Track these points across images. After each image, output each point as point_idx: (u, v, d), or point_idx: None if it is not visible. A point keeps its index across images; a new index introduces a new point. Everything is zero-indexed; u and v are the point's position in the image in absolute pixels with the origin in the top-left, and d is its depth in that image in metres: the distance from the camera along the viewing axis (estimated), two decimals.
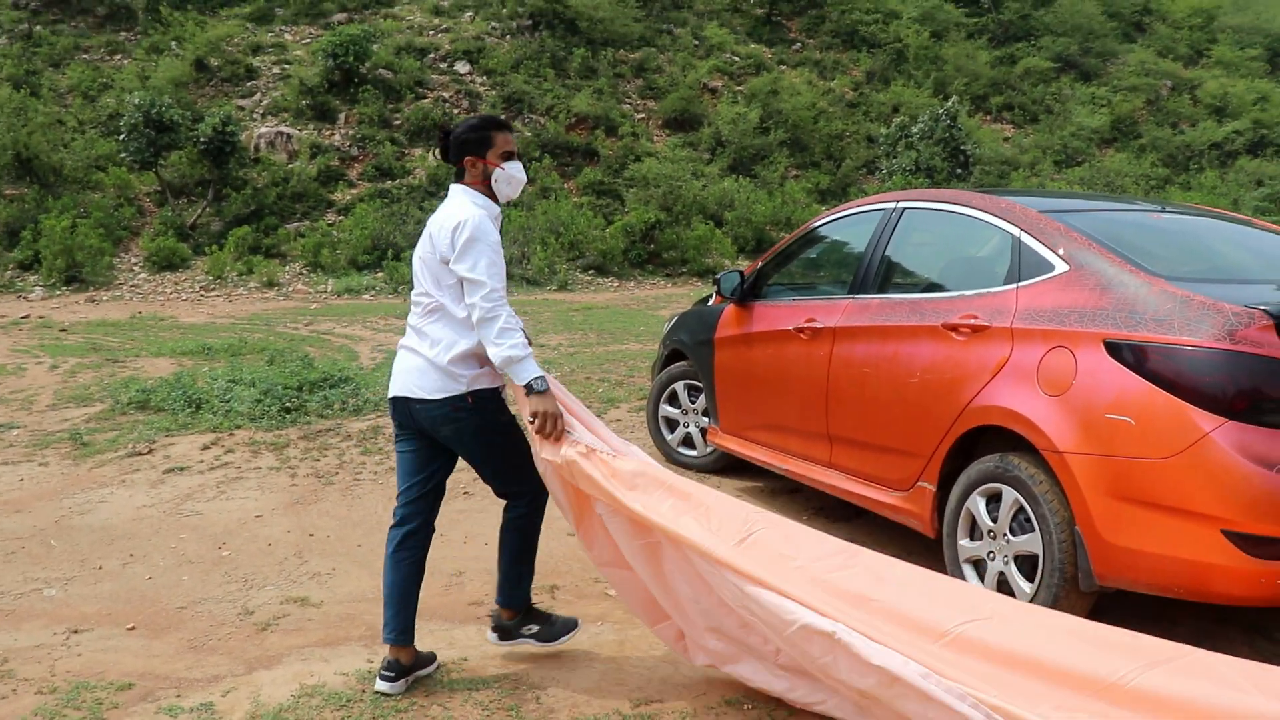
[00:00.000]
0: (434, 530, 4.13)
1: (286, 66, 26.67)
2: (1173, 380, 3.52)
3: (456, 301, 3.80)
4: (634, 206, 23.09)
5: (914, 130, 25.67)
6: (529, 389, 3.75)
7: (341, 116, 25.57)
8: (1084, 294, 3.92)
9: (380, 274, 20.84)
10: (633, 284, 21.44)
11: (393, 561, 4.01)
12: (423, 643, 4.24)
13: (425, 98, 26.67)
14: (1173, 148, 33.57)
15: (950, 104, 26.28)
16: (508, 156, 3.90)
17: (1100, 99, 34.69)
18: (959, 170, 25.06)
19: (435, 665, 4.00)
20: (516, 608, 4.17)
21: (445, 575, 5.09)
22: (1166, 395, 3.52)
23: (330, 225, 22.69)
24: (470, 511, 6.09)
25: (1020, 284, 4.20)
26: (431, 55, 28.34)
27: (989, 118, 33.11)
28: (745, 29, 33.45)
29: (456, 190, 3.92)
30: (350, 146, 25.04)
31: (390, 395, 3.97)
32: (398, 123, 25.72)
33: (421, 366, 3.84)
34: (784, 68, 31.81)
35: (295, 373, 9.22)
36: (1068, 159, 31.29)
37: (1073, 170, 30.20)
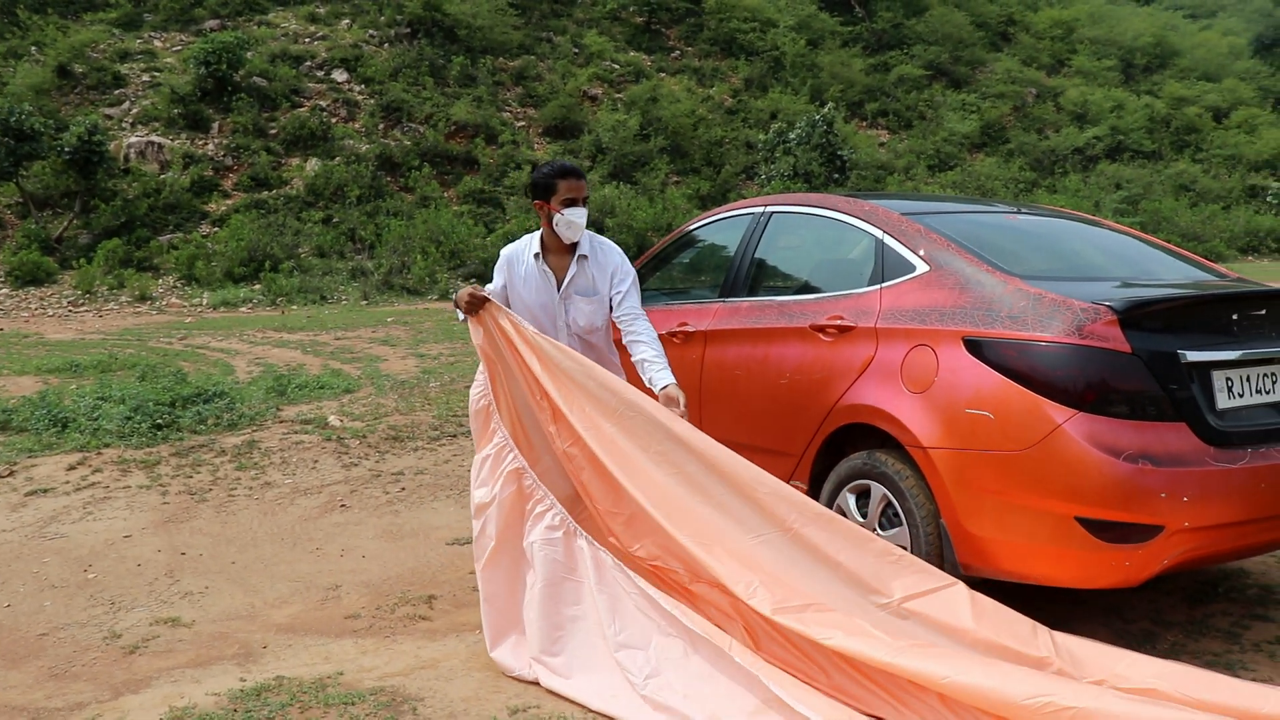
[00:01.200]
0: None
1: (156, 74, 25.93)
2: (1027, 375, 3.65)
3: None
4: (515, 214, 23.03)
5: (791, 136, 26.08)
6: None
7: (215, 125, 24.97)
8: (944, 293, 4.04)
9: (257, 286, 20.42)
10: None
11: None
12: (297, 657, 4.19)
13: (302, 106, 26.19)
14: (1038, 152, 34.77)
15: (826, 110, 26.77)
16: (569, 203, 4.23)
17: (970, 105, 35.74)
18: (836, 175, 25.53)
19: None
20: None
21: (321, 589, 5.01)
22: (1021, 389, 3.65)
23: (205, 237, 22.16)
24: (347, 525, 6.01)
25: (884, 285, 4.30)
26: (308, 63, 27.84)
27: (864, 124, 33.85)
28: (625, 37, 33.60)
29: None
30: (225, 156, 24.47)
31: None
32: (274, 131, 25.21)
33: None
34: (663, 75, 32.06)
35: (168, 388, 8.97)
36: (940, 163, 32.15)
37: (945, 174, 31.05)
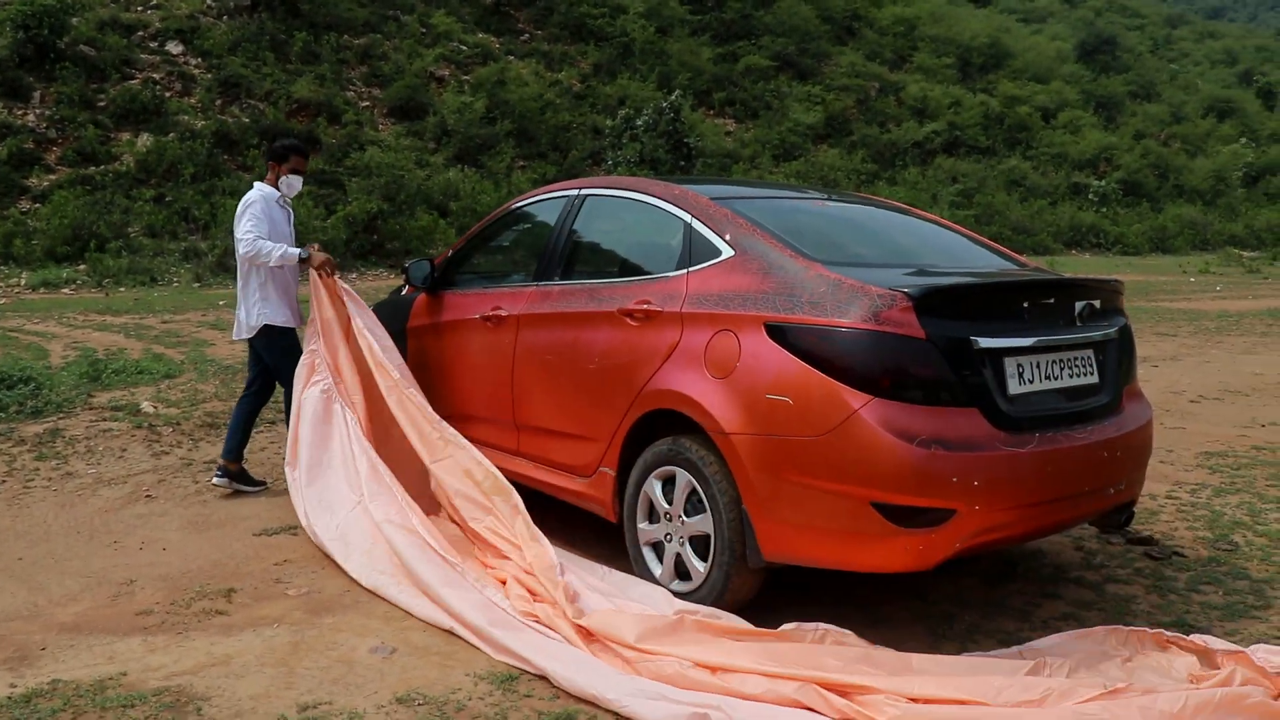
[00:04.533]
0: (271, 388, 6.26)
1: None
2: (825, 360, 3.66)
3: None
4: (356, 196, 22.49)
5: (639, 123, 26.19)
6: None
7: (37, 95, 23.66)
8: (747, 278, 4.03)
9: (82, 266, 19.42)
10: (355, 275, 20.84)
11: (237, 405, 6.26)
12: (79, 658, 3.94)
13: (133, 78, 25.07)
14: (880, 145, 35.72)
15: (674, 98, 26.93)
16: (296, 172, 6.17)
17: (815, 97, 36.49)
18: (682, 162, 25.74)
19: (260, 488, 6.17)
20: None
21: (115, 584, 4.73)
22: (820, 375, 3.65)
23: (24, 214, 20.97)
24: (150, 516, 5.71)
25: (690, 269, 4.27)
26: (140, 33, 26.65)
27: (712, 112, 34.19)
28: (473, 18, 33.18)
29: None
30: (48, 128, 23.22)
31: None
32: (102, 104, 24.05)
33: None
34: (512, 58, 31.77)
35: None
36: (785, 153, 32.72)
37: (790, 164, 31.61)
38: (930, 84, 40.36)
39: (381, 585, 4.53)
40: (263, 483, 6.23)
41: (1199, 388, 9.60)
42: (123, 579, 4.80)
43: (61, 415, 7.82)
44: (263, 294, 5.95)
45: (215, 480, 6.12)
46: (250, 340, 6.10)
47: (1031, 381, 3.88)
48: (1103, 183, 37.90)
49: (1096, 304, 4.19)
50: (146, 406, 8.07)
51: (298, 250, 5.88)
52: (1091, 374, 4.14)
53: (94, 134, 23.05)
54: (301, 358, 5.73)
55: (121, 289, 18.42)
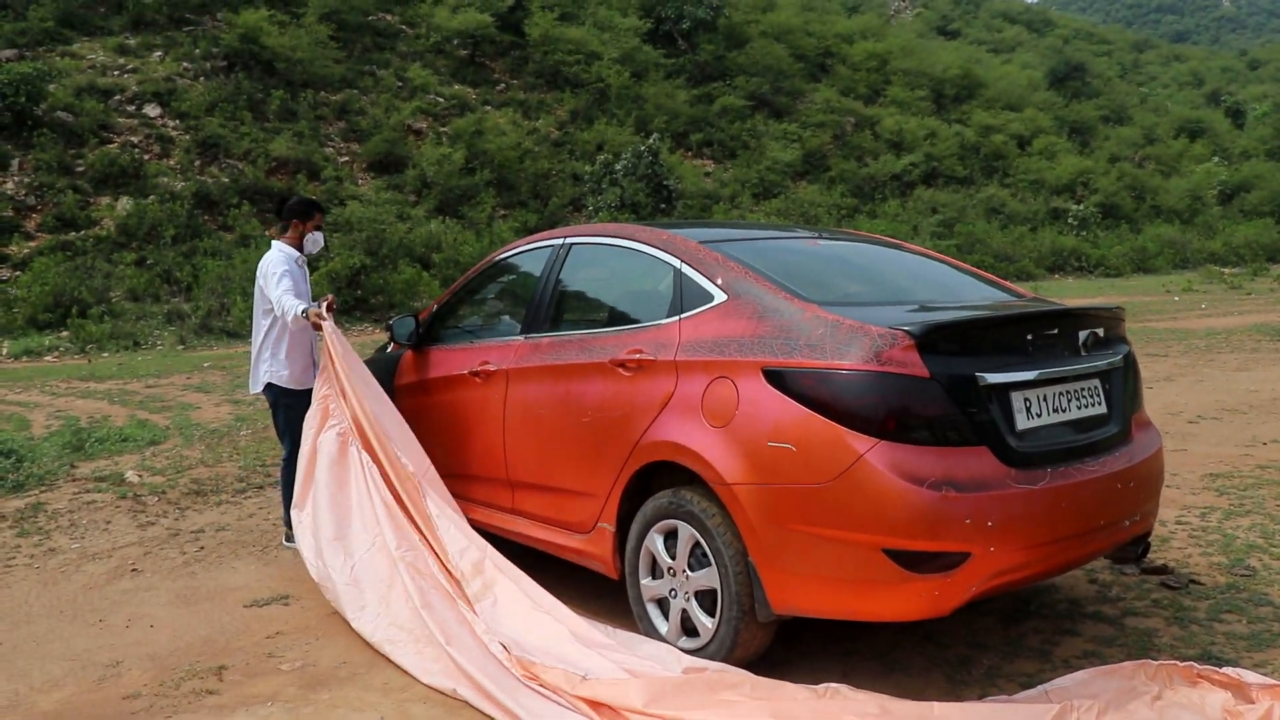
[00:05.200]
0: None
1: None
2: (827, 404, 3.54)
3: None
4: (339, 252, 22.38)
5: (618, 167, 26.22)
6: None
7: (15, 163, 23.54)
8: (742, 323, 3.92)
9: (64, 333, 19.21)
10: (341, 331, 20.65)
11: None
12: None
13: (112, 142, 24.98)
14: (859, 179, 35.88)
15: (652, 141, 27.00)
16: (318, 228, 6.18)
17: (792, 134, 36.68)
18: (663, 205, 25.76)
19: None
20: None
21: (100, 666, 4.55)
22: (823, 420, 3.54)
23: (4, 282, 20.78)
24: (137, 591, 5.53)
25: (683, 316, 4.17)
26: (117, 97, 26.58)
27: (690, 154, 34.31)
28: (449, 70, 33.29)
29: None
30: (26, 195, 23.08)
31: None
32: (81, 169, 23.95)
33: None
34: (489, 108, 31.86)
35: None
36: (765, 191, 32.81)
37: (770, 202, 31.70)
38: (905, 117, 40.64)
39: (391, 640, 4.43)
40: None
41: (1196, 407, 9.52)
42: (108, 660, 4.62)
43: (44, 488, 7.65)
44: (274, 351, 5.93)
45: (285, 544, 6.11)
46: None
47: (1040, 415, 3.77)
48: (1081, 207, 38.11)
49: (1100, 332, 4.10)
50: (131, 476, 7.91)
51: (301, 305, 5.74)
52: (1100, 404, 4.04)
53: (73, 199, 22.93)
54: (313, 403, 5.56)
55: (105, 354, 18.23)
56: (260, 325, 5.98)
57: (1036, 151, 42.55)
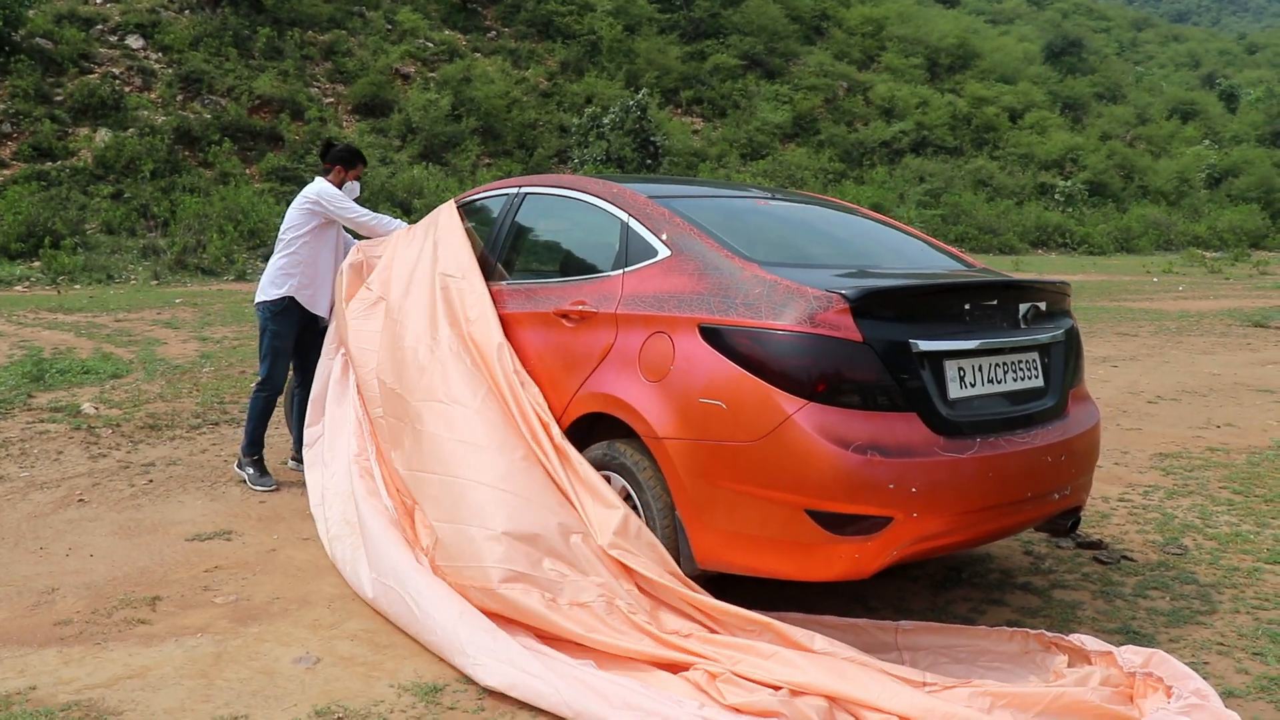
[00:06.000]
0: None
1: None
2: (760, 364, 3.56)
3: None
4: None
5: (605, 121, 26.08)
6: None
7: None
8: (683, 279, 3.92)
9: (36, 263, 19.06)
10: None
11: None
12: None
13: (92, 72, 24.68)
14: (848, 144, 35.75)
15: (641, 96, 26.83)
16: (357, 178, 6.32)
17: (783, 96, 36.47)
18: (649, 161, 25.65)
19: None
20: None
21: (36, 593, 4.55)
22: (754, 379, 3.55)
23: None
24: (81, 521, 5.53)
25: (626, 270, 4.17)
26: (99, 26, 26.25)
27: (679, 111, 34.11)
28: (439, 15, 32.96)
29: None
30: (2, 122, 22.83)
31: None
32: (59, 98, 23.68)
33: None
34: (478, 55, 31.58)
35: None
36: (753, 152, 32.68)
37: (757, 163, 31.58)
38: (898, 84, 40.45)
39: (338, 537, 4.75)
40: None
41: (1157, 388, 9.59)
42: (44, 587, 4.63)
43: None
44: (287, 272, 6.03)
45: (291, 465, 6.41)
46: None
47: (973, 385, 3.80)
48: (1069, 183, 38.12)
49: (1042, 306, 4.11)
50: (88, 408, 7.89)
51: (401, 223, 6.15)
52: (1036, 377, 4.07)
53: (51, 129, 22.69)
54: (329, 328, 5.90)
55: (76, 286, 18.11)
56: (290, 245, 6.06)
57: (1028, 125, 42.45)
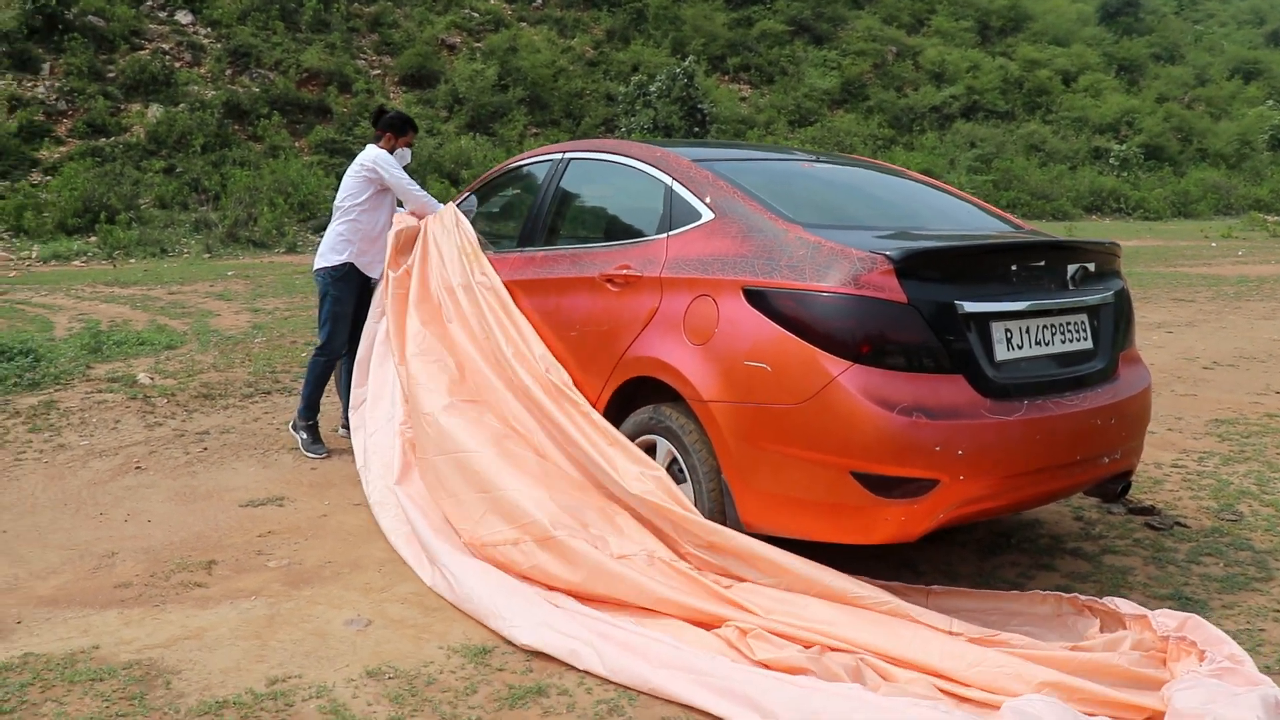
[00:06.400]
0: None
1: None
2: (804, 326, 3.54)
3: None
4: None
5: (652, 89, 25.94)
6: None
7: (46, 66, 23.56)
8: (727, 242, 3.91)
9: (93, 238, 19.37)
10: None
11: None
12: (53, 631, 3.89)
13: (143, 49, 24.94)
14: (897, 110, 35.29)
15: (688, 64, 26.65)
16: (408, 144, 6.29)
17: (831, 62, 36.04)
18: (696, 129, 25.52)
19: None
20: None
21: (96, 557, 4.67)
22: (799, 341, 3.54)
23: (35, 186, 20.92)
24: (138, 488, 5.65)
25: (671, 233, 4.16)
26: (149, 3, 26.49)
27: (726, 78, 33.84)
28: None
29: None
30: (57, 100, 23.12)
31: None
32: (112, 75, 23.95)
33: None
34: (524, 25, 31.51)
35: None
36: (801, 119, 32.38)
37: (806, 130, 31.29)
38: (948, 48, 39.80)
39: (381, 502, 4.89)
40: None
41: (1214, 354, 9.42)
42: (104, 551, 4.74)
43: (58, 387, 7.77)
44: (346, 238, 6.11)
45: (341, 432, 6.48)
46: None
47: (1020, 347, 3.75)
48: (1124, 147, 37.37)
49: (1090, 267, 4.05)
50: (143, 378, 8.02)
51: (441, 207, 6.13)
52: (1085, 339, 4.01)
53: (104, 105, 22.96)
54: (375, 295, 6.02)
55: (131, 260, 18.38)
56: (348, 213, 6.14)
57: (1082, 88, 41.61)
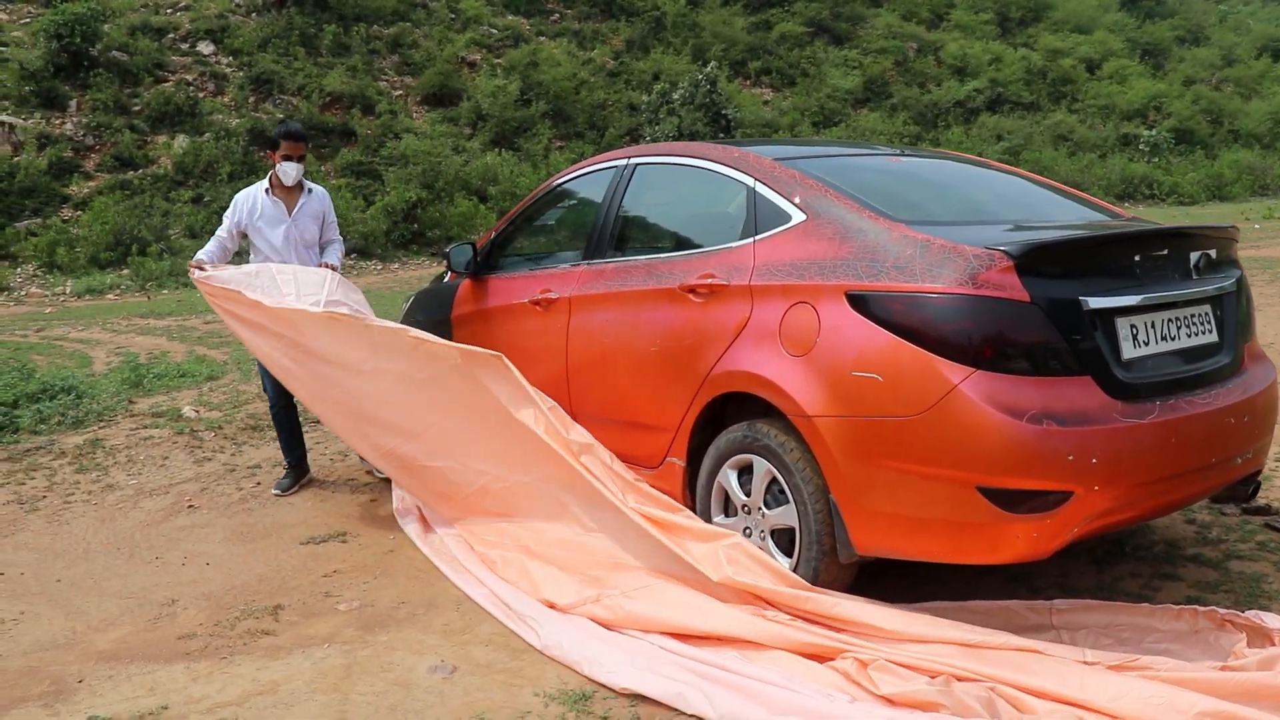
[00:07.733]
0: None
1: (3, 49, 24.32)
2: (917, 331, 3.27)
3: None
4: (394, 186, 22.22)
5: (675, 97, 25.71)
6: None
7: (73, 103, 23.54)
8: (822, 244, 3.63)
9: (125, 271, 19.30)
10: (397, 265, 20.63)
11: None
12: (118, 691, 3.66)
13: (167, 81, 24.89)
14: (921, 106, 34.91)
15: (709, 70, 26.42)
16: (286, 159, 5.79)
17: (852, 61, 35.72)
18: (721, 134, 25.26)
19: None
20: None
21: (156, 606, 4.44)
22: (912, 348, 3.27)
23: (66, 221, 20.86)
24: (193, 528, 5.43)
25: (757, 238, 3.89)
26: (171, 35, 26.48)
27: (748, 82, 33.57)
28: (501, 1, 32.74)
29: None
30: (85, 136, 23.09)
31: None
32: (137, 109, 23.91)
33: None
34: (543, 39, 31.34)
35: (8, 385, 8.21)
36: (825, 120, 32.06)
37: (831, 130, 30.99)
38: (969, 41, 39.36)
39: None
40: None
41: None
42: (164, 599, 4.51)
43: (102, 424, 7.59)
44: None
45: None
46: None
47: (1147, 344, 3.46)
48: (1153, 132, 36.79)
49: (1213, 254, 3.76)
50: (188, 411, 7.83)
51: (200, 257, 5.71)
52: (1211, 332, 3.72)
53: (130, 139, 22.93)
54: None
55: (164, 291, 18.29)
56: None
57: (1107, 75, 41.05)
